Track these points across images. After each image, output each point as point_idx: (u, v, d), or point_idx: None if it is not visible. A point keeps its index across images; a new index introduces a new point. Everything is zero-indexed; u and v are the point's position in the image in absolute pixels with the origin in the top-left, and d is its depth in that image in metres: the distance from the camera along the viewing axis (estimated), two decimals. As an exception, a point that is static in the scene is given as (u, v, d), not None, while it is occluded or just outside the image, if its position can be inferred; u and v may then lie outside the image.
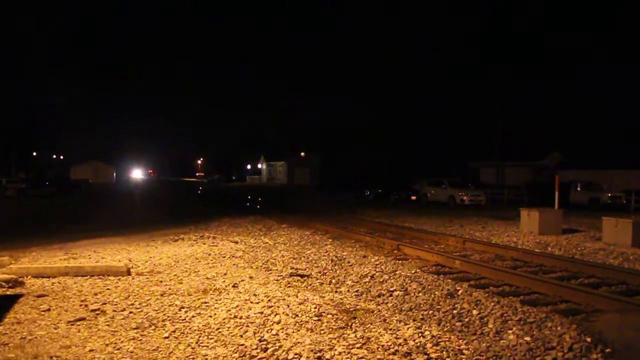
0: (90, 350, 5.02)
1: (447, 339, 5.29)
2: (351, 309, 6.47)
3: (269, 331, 5.50)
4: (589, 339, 5.28)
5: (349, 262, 9.93)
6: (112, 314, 6.27)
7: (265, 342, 5.15)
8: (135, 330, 5.64)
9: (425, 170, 42.42)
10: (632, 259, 10.94)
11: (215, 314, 6.18)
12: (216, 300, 6.85)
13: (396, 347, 5.01)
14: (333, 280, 8.60)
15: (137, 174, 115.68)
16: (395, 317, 6.18)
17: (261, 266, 9.70)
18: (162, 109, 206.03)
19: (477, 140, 55.22)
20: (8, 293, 7.39)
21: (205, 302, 6.73)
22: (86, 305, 6.67)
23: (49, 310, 6.49)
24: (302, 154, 77.79)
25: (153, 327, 5.75)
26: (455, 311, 6.54)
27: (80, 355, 4.90)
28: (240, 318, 5.98)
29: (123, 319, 6.09)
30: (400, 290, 7.68)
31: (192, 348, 5.09)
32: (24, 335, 5.47)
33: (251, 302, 6.63)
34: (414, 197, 31.83)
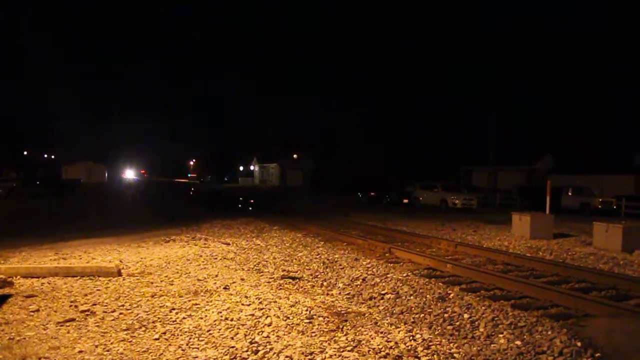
0: (80, 352, 4.97)
1: (438, 343, 5.30)
2: (342, 312, 6.46)
3: (260, 333, 5.48)
4: (579, 344, 5.30)
5: (340, 265, 9.93)
6: (102, 315, 6.22)
7: (256, 344, 5.13)
8: (125, 332, 5.60)
9: (418, 173, 42.57)
10: (622, 264, 11.01)
11: (206, 316, 6.16)
12: (207, 302, 6.82)
13: (387, 350, 5.01)
14: (325, 283, 8.59)
15: (130, 174, 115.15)
16: (387, 320, 6.18)
17: (253, 268, 9.67)
18: (155, 109, 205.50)
19: (470, 143, 55.46)
20: (-3, 293, 7.32)
21: (196, 304, 6.70)
22: (76, 306, 6.61)
23: (38, 310, 6.43)
24: (295, 156, 77.75)
25: (143, 329, 5.71)
26: (446, 315, 6.55)
27: (69, 356, 4.86)
28: (231, 320, 5.96)
29: (113, 320, 6.05)
30: (392, 294, 7.69)
31: (183, 350, 5.06)
32: (12, 336, 5.41)
33: (242, 304, 6.61)
34: (406, 200, 31.91)
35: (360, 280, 8.61)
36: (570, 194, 28.79)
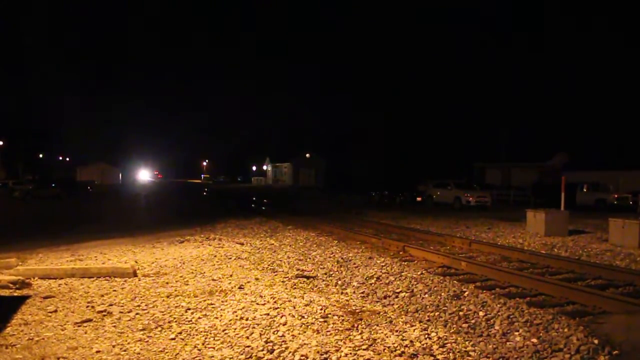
0: (97, 352, 5.03)
1: (453, 341, 5.28)
2: (357, 311, 6.46)
3: (275, 332, 5.50)
4: (596, 341, 5.25)
5: (354, 264, 9.92)
6: (119, 316, 6.29)
7: (271, 344, 5.15)
8: (141, 332, 5.65)
9: (431, 171, 42.37)
10: (639, 260, 10.88)
11: (221, 316, 6.19)
12: (222, 301, 6.86)
13: (402, 349, 5.00)
14: (339, 282, 8.59)
15: (144, 175, 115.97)
16: (402, 318, 6.17)
17: (267, 267, 9.70)
18: (168, 111, 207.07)
19: (483, 141, 55.09)
20: (15, 294, 7.42)
21: (212, 304, 6.74)
22: (93, 307, 6.69)
23: (55, 311, 6.51)
24: (307, 155, 77.81)
25: (159, 329, 5.76)
26: (461, 312, 6.52)
27: (87, 356, 4.92)
28: (247, 319, 5.99)
29: (129, 320, 6.11)
30: (407, 292, 7.67)
31: (199, 349, 5.09)
32: (31, 337, 5.49)
33: (257, 304, 6.64)
34: (419, 199, 31.80)
35: (375, 279, 8.60)
36: (585, 190, 28.51)
